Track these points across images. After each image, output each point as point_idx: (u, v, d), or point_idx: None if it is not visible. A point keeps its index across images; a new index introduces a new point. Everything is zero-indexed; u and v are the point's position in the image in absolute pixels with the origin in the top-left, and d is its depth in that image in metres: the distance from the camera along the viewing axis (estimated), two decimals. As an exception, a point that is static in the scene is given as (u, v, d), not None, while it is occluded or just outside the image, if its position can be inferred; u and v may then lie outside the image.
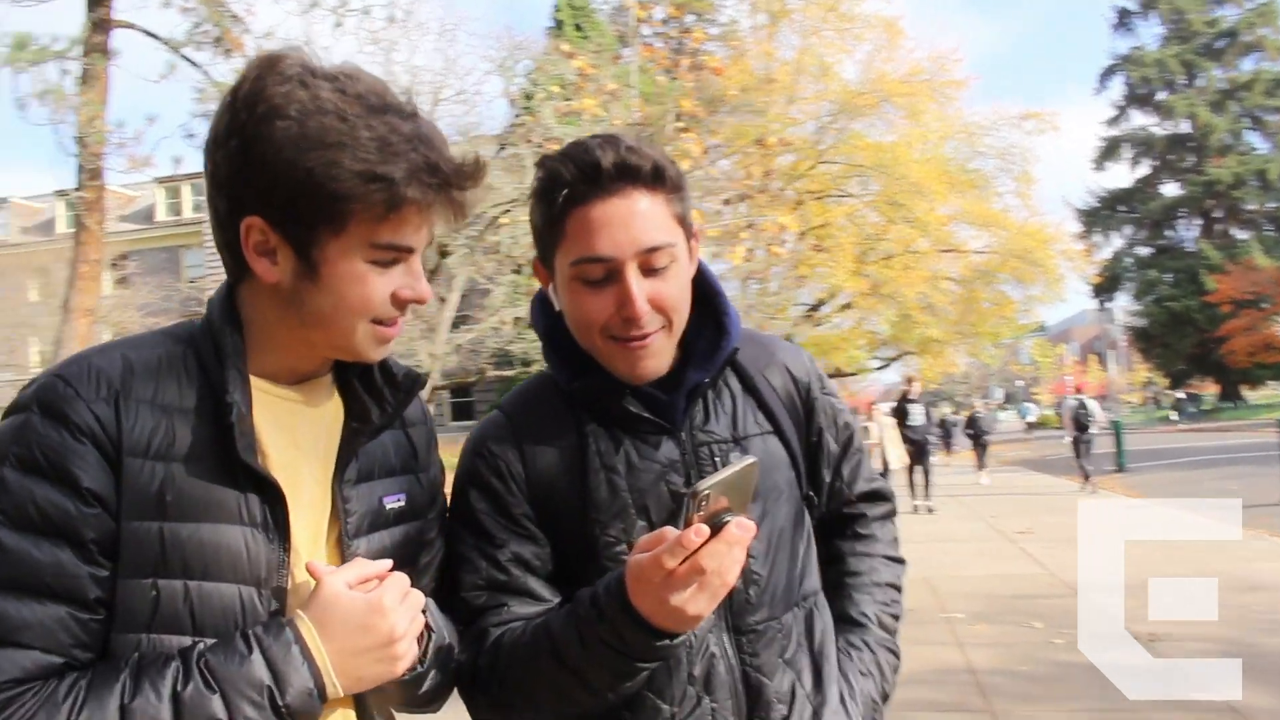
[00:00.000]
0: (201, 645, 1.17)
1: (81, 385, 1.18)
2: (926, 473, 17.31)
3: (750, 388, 1.67)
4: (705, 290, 1.66)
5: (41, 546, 1.12)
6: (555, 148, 1.64)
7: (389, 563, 1.30)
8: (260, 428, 1.26)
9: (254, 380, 1.29)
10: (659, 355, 1.55)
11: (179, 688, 1.12)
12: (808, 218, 29.91)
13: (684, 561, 1.21)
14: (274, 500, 1.24)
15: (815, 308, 34.91)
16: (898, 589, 1.81)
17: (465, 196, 1.28)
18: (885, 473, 15.24)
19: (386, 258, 1.25)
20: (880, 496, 1.86)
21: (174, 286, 37.41)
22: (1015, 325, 35.41)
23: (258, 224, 1.22)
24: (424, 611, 1.34)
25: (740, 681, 1.54)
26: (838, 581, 1.78)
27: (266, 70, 1.22)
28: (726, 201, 15.81)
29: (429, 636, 1.37)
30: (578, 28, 32.04)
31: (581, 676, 1.39)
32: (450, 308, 14.16)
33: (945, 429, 32.79)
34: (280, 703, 1.15)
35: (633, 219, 1.46)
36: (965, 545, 12.04)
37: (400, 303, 1.29)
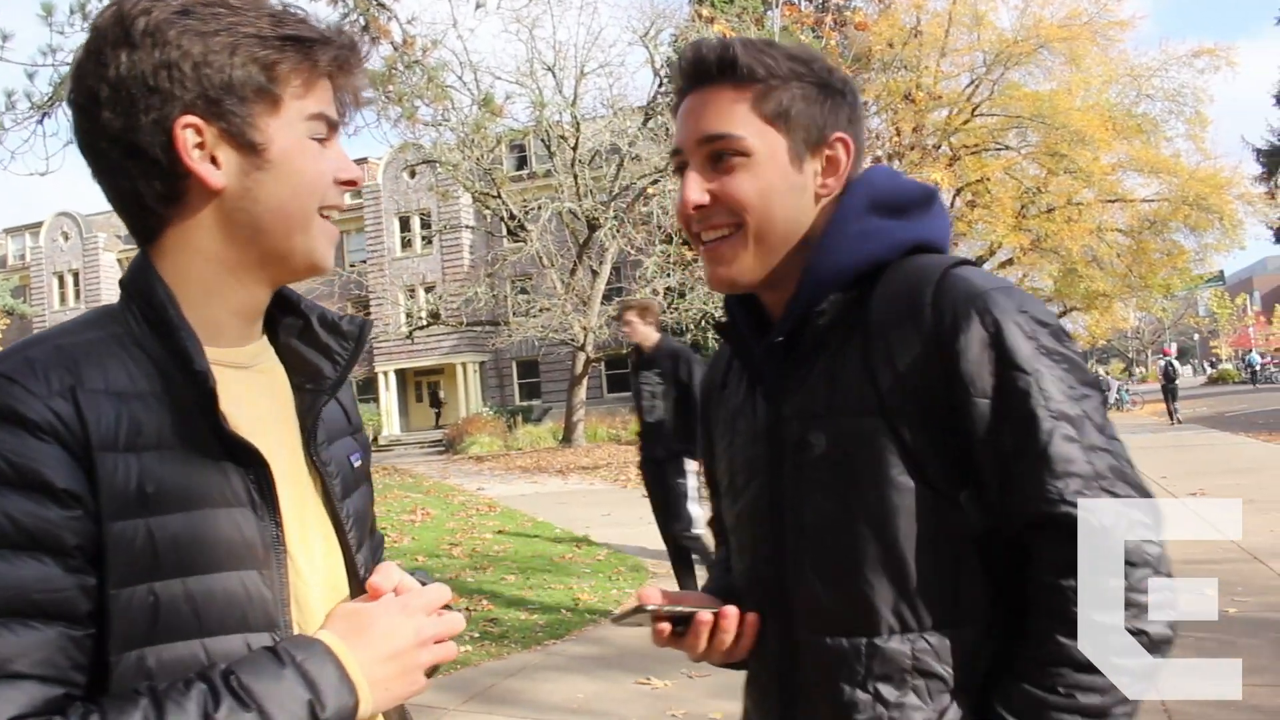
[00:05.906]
0: (224, 664, 1.06)
1: (30, 381, 1.04)
2: None
3: (868, 347, 1.32)
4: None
5: (22, 562, 1.00)
6: None
7: (396, 573, 1.23)
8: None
9: None
10: (731, 263, 1.39)
11: (210, 710, 1.02)
12: (963, 173, 29.09)
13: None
14: (258, 473, 1.14)
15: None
16: (1081, 667, 1.18)
17: (358, 75, 1.25)
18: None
19: (320, 131, 1.20)
20: (1056, 523, 1.20)
21: (335, 270, 37.76)
22: (1189, 276, 33.79)
23: (195, 123, 1.13)
24: None
25: (779, 688, 1.42)
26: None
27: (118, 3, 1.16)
28: (876, 160, 15.51)
29: None
30: (720, -9, 31.82)
31: None
32: (602, 280, 14.35)
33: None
34: (320, 718, 1.06)
35: (695, 110, 1.40)
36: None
37: (340, 184, 1.23)
